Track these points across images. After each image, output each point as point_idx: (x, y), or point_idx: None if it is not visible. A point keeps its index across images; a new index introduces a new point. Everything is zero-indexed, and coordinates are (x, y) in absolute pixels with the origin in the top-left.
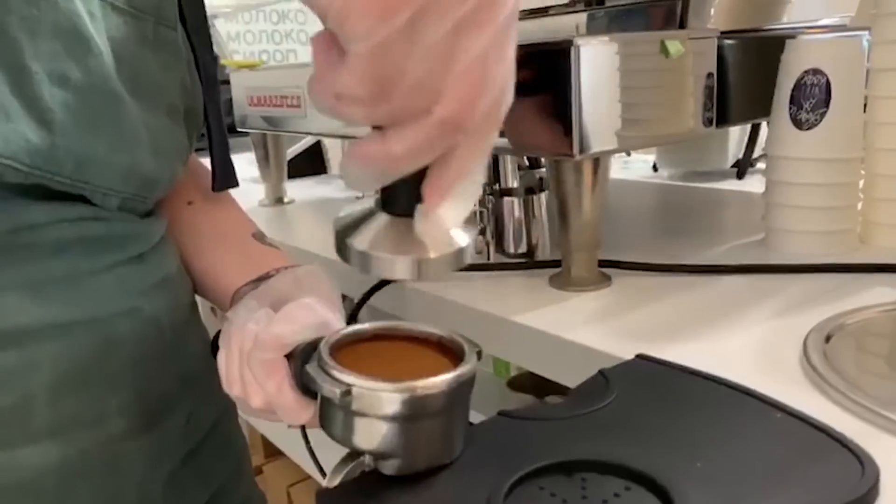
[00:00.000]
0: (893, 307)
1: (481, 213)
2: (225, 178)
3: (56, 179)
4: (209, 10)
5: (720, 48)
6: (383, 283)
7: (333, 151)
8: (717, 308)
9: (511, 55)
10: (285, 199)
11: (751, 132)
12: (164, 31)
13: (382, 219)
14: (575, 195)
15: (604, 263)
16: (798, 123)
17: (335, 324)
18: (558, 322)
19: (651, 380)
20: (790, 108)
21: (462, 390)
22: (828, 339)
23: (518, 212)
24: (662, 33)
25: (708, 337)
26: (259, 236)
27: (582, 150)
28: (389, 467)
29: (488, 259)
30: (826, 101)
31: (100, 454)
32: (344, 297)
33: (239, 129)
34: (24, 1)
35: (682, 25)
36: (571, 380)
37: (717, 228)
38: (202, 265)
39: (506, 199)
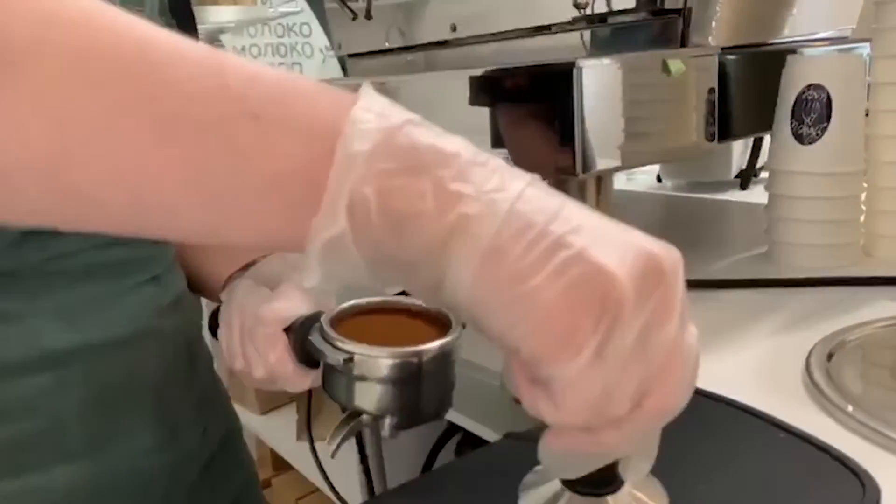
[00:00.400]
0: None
1: None
2: None
3: None
4: (215, 26)
5: (721, 64)
6: None
7: None
8: (720, 324)
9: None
10: None
11: (753, 143)
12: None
13: (577, 502)
14: None
15: None
16: (799, 138)
17: (326, 299)
18: None
19: None
20: (791, 123)
21: (449, 356)
22: (830, 356)
23: None
24: (664, 52)
25: (710, 354)
26: None
27: (585, 169)
28: (387, 426)
29: None
30: (827, 115)
31: (128, 470)
32: None
33: None
34: None
35: (684, 41)
36: None
37: (721, 241)
38: (193, 256)
39: None
